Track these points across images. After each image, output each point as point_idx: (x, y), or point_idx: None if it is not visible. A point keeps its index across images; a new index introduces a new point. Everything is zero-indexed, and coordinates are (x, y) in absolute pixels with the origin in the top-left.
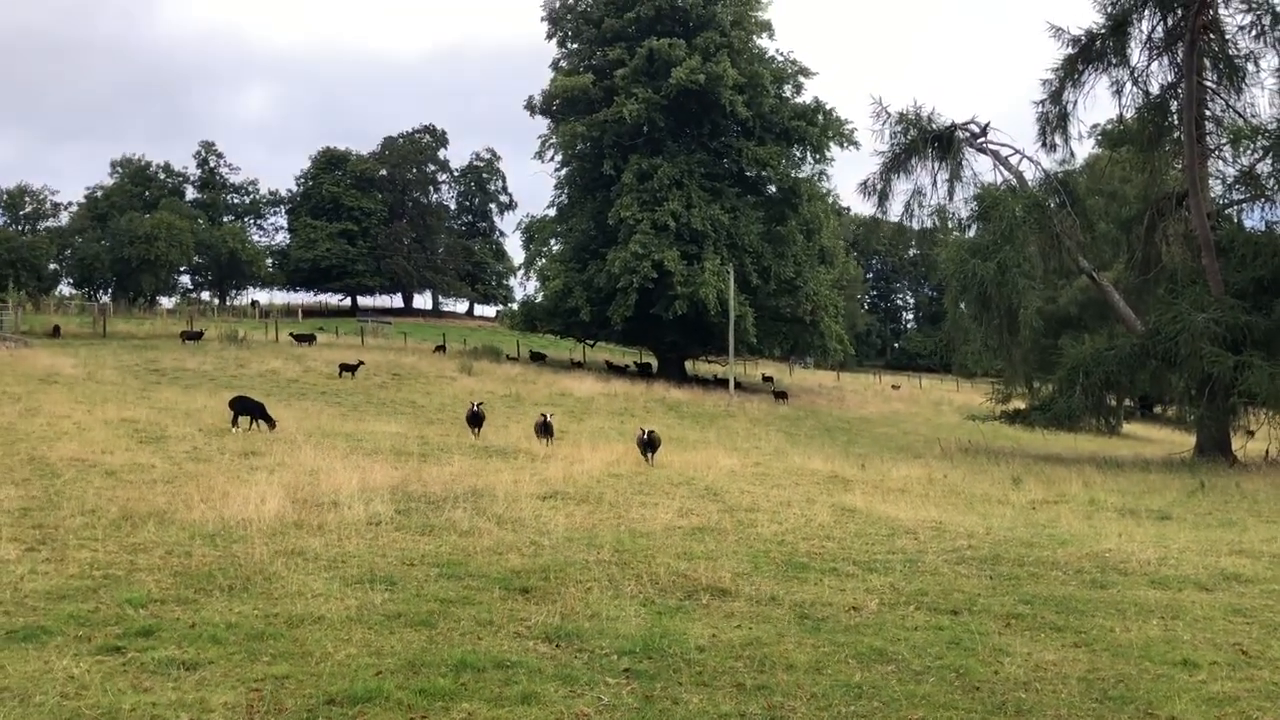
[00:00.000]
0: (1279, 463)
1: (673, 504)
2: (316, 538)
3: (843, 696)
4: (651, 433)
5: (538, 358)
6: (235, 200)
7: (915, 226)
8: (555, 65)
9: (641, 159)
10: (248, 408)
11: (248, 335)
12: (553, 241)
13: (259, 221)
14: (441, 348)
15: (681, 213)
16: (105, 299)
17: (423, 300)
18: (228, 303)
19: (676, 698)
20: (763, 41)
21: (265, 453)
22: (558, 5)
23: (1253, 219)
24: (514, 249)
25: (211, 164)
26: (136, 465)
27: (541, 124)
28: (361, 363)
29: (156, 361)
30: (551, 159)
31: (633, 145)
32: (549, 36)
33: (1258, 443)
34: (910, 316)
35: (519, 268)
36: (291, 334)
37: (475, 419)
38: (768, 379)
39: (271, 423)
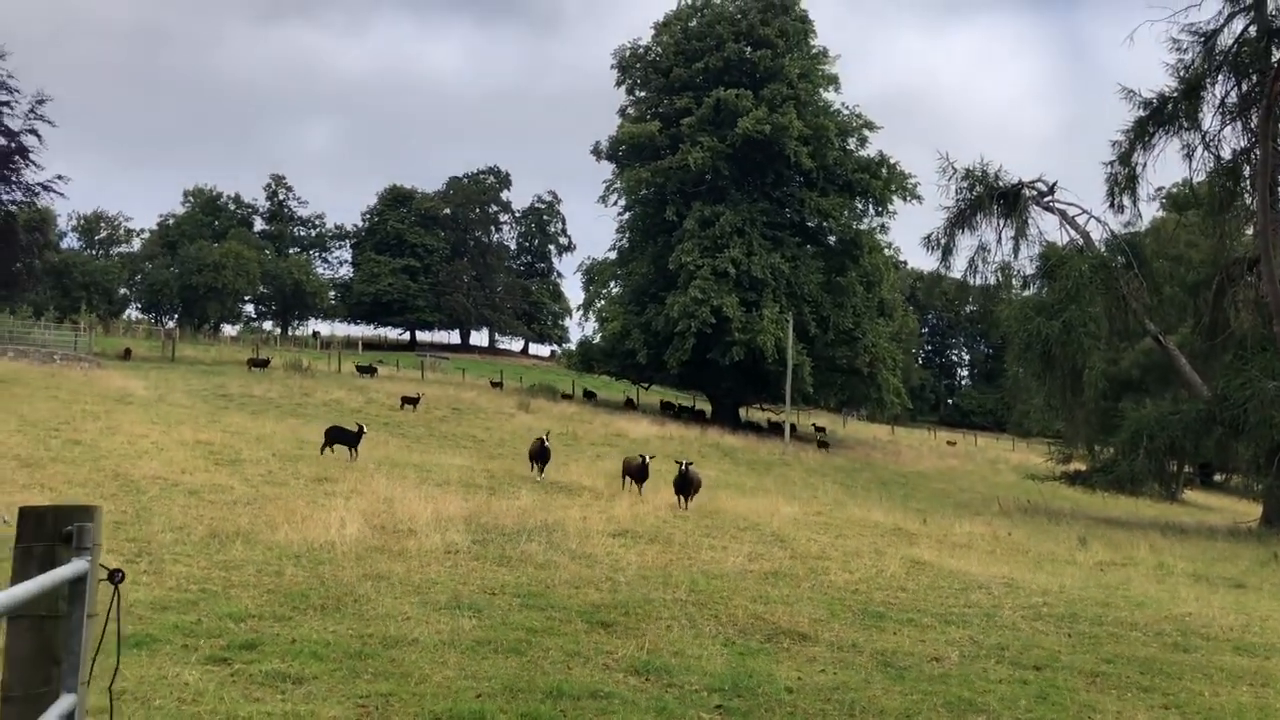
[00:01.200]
0: None
1: (742, 548)
2: (399, 563)
3: None
4: (688, 468)
5: (589, 396)
6: (301, 233)
7: (978, 283)
8: (622, 112)
9: (704, 206)
10: (342, 437)
11: (311, 365)
12: (612, 284)
13: (323, 254)
14: (499, 383)
15: (742, 260)
16: (171, 324)
17: (480, 337)
18: (289, 333)
19: None
20: (828, 95)
21: (338, 479)
22: (628, 54)
23: None
24: (571, 290)
25: (280, 196)
26: (216, 486)
27: (606, 168)
28: (421, 396)
29: (224, 387)
30: (615, 203)
31: (696, 192)
32: (618, 84)
33: None
34: (965, 373)
35: (578, 308)
36: (356, 365)
37: (541, 455)
38: (819, 429)
39: (355, 450)
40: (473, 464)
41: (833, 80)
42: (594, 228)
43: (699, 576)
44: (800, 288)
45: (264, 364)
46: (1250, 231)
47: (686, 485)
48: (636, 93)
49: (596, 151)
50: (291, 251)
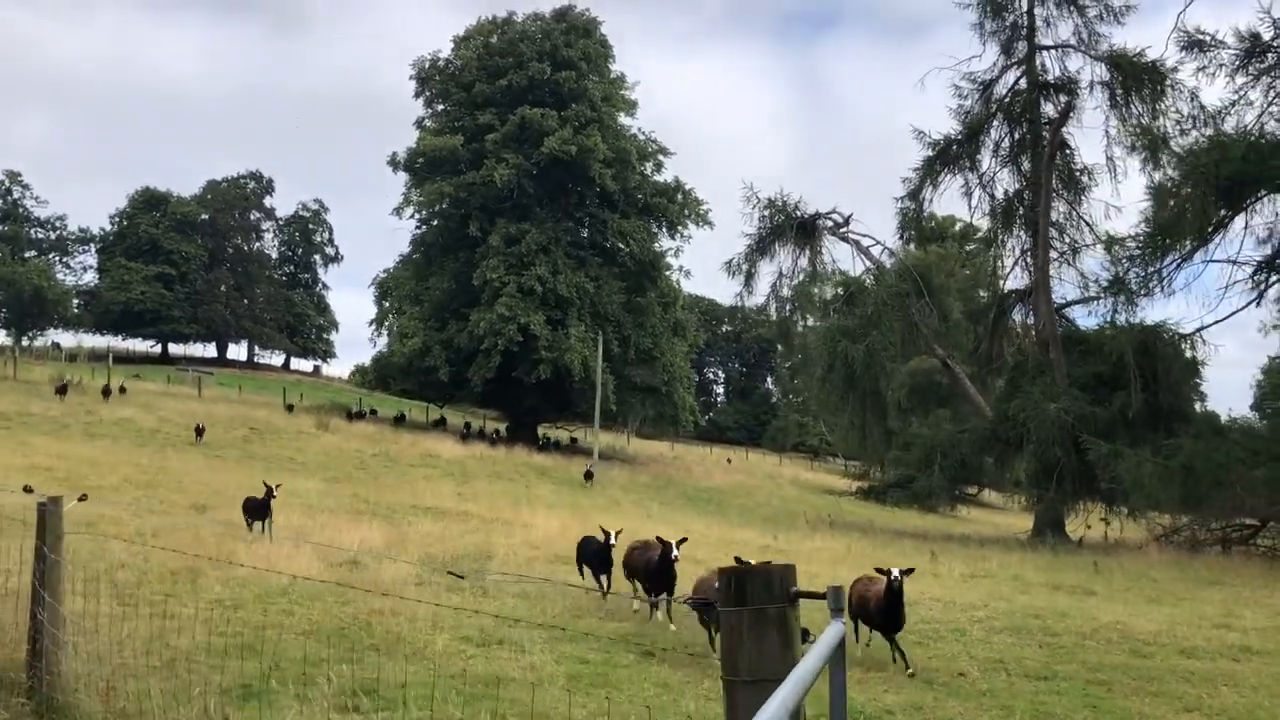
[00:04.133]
0: (1120, 545)
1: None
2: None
3: None
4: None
5: (400, 419)
6: (39, 235)
7: (775, 309)
8: (420, 124)
9: (509, 223)
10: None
11: (82, 381)
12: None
13: (65, 259)
14: (291, 406)
15: (548, 278)
16: None
17: (238, 351)
18: (26, 344)
19: None
20: (625, 119)
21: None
22: (427, 65)
23: (1084, 318)
24: (338, 302)
25: (15, 195)
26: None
27: (377, 177)
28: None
29: None
30: (412, 215)
31: (500, 209)
32: (416, 95)
33: (1074, 525)
34: (721, 390)
35: (370, 323)
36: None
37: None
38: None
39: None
40: (324, 488)
41: (631, 105)
42: (364, 238)
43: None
44: (604, 307)
45: (64, 390)
46: (1025, 265)
47: (897, 615)
48: (436, 105)
49: (394, 162)
50: (29, 255)
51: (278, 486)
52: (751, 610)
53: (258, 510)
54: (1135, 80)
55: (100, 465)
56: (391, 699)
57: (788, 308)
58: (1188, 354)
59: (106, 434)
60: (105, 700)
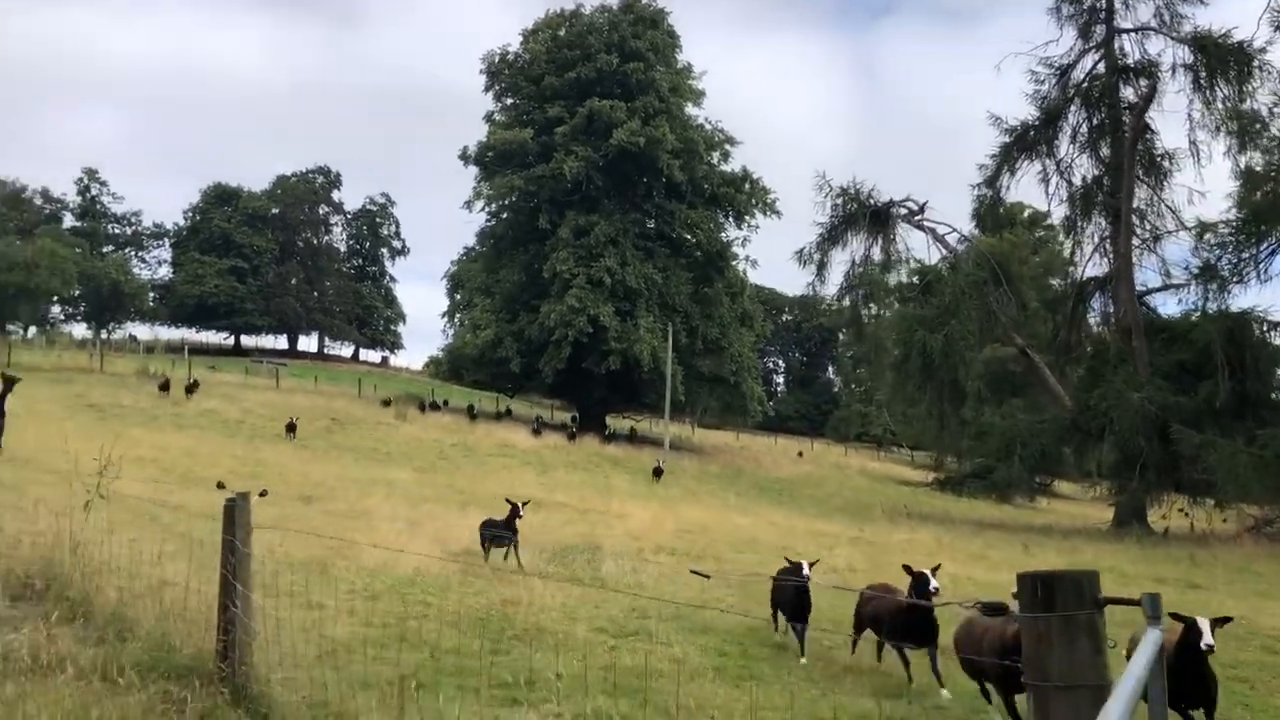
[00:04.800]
0: (1211, 536)
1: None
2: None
3: None
4: None
5: (433, 408)
6: (116, 230)
7: (846, 298)
8: (490, 118)
9: (578, 215)
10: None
11: (164, 372)
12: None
13: (140, 254)
14: (388, 401)
15: (617, 269)
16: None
17: (308, 342)
18: (106, 336)
19: None
20: (692, 109)
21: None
22: (496, 60)
23: (1166, 306)
24: (405, 295)
25: (93, 192)
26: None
27: (441, 171)
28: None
29: (85, 396)
30: (483, 209)
31: (569, 201)
32: (486, 89)
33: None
34: (781, 380)
35: (442, 315)
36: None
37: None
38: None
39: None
40: (415, 477)
41: (699, 95)
42: (427, 232)
43: None
44: (672, 298)
45: (167, 387)
46: (1106, 251)
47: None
48: (505, 99)
49: (464, 156)
50: (106, 250)
51: (525, 504)
52: (1060, 616)
53: (503, 530)
54: (1220, 62)
55: (199, 456)
56: (549, 690)
57: (860, 296)
58: (1276, 341)
59: (194, 425)
60: (297, 691)
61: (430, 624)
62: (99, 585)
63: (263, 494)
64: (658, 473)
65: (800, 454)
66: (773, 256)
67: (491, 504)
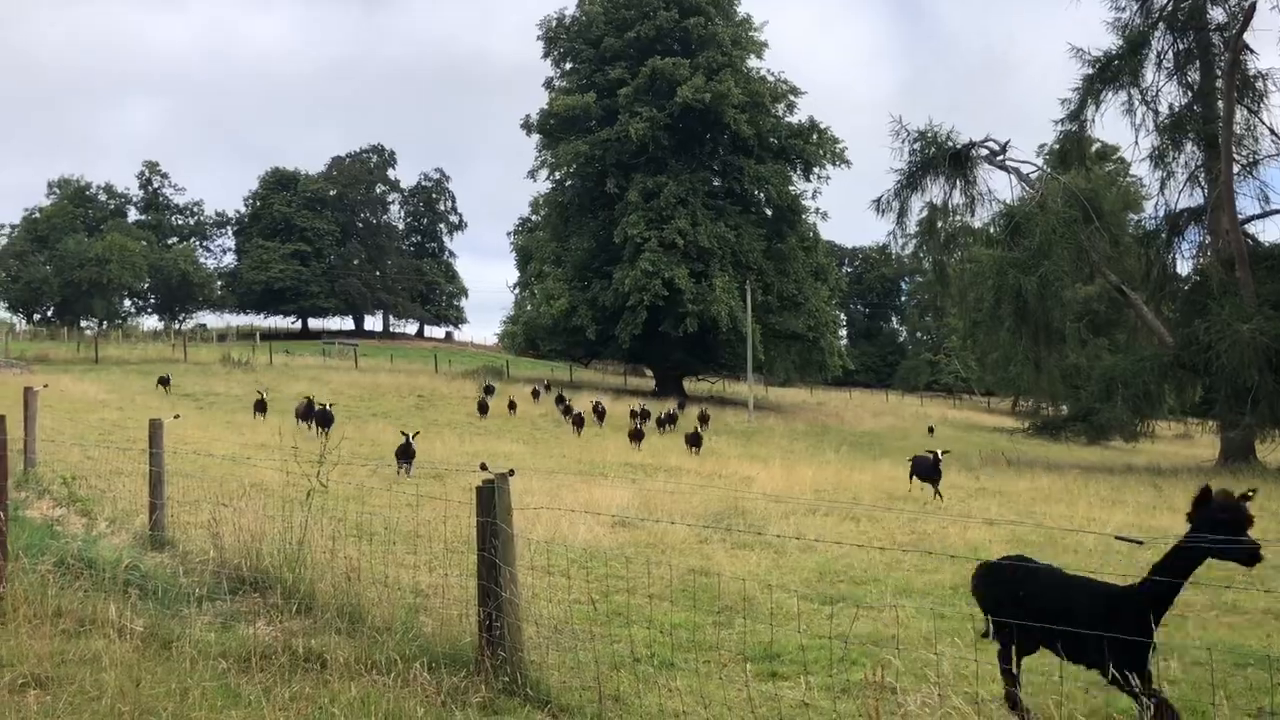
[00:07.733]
0: None
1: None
2: None
3: None
4: None
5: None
6: (179, 221)
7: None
8: (549, 85)
9: (645, 178)
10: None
11: (252, 359)
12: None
13: (204, 243)
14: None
15: (688, 230)
16: (21, 323)
17: (373, 322)
18: (177, 326)
19: None
20: (754, 62)
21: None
22: (554, 24)
23: (1264, 234)
24: (464, 269)
25: (155, 184)
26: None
27: (502, 143)
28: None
29: (180, 386)
30: (548, 178)
31: (635, 164)
32: (544, 55)
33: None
34: (844, 333)
35: (513, 287)
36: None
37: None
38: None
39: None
40: (535, 450)
41: (761, 46)
42: (480, 204)
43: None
44: (745, 256)
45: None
46: (1199, 181)
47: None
48: (564, 64)
49: (526, 125)
50: (171, 241)
51: (944, 452)
52: None
53: (929, 470)
54: None
55: (317, 441)
56: (795, 664)
57: (942, 240)
58: None
59: (290, 410)
60: (564, 674)
61: (636, 598)
62: (319, 575)
63: (510, 473)
64: (694, 440)
65: (879, 411)
66: (831, 208)
67: (608, 472)
